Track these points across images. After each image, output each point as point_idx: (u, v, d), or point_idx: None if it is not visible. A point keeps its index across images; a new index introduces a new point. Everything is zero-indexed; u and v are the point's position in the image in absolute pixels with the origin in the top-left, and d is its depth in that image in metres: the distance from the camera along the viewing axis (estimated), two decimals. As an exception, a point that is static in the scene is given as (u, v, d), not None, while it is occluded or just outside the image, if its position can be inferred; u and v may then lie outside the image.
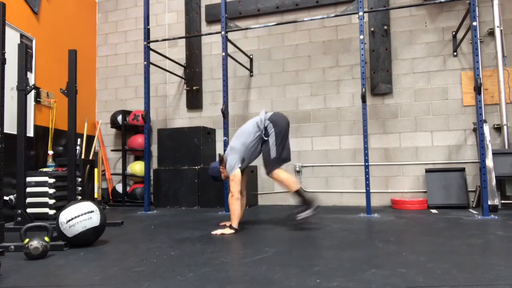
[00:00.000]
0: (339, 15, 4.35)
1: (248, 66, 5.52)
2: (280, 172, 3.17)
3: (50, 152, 4.79)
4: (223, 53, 4.48)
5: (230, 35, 5.03)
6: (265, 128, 3.21)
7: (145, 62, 4.77)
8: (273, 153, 3.15)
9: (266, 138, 3.21)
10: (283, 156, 3.20)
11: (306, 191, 5.16)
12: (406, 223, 3.44)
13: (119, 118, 5.76)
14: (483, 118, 3.73)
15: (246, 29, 5.07)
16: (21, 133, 3.36)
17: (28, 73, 4.56)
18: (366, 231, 3.04)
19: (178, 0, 5.97)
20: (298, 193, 3.16)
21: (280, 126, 3.22)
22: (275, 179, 3.20)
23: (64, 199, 4.10)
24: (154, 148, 5.79)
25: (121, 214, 4.54)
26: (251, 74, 5.56)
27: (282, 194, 5.27)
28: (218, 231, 3.03)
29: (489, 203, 3.79)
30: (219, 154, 3.41)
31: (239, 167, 3.17)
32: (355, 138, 5.06)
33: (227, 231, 3.02)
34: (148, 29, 4.84)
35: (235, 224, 3.05)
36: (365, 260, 2.08)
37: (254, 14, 5.53)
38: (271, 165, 3.17)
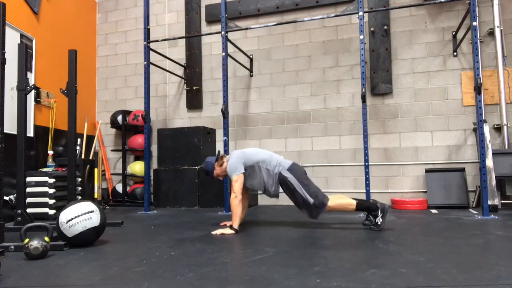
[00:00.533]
0: (339, 15, 4.35)
1: (248, 66, 5.52)
2: (331, 203, 3.07)
3: (50, 152, 4.79)
4: (223, 53, 4.48)
5: (230, 35, 5.03)
6: (285, 178, 3.14)
7: (145, 62, 4.77)
8: (310, 199, 3.07)
9: (291, 187, 3.13)
10: (320, 198, 3.07)
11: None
12: (406, 223, 3.44)
13: (119, 118, 5.76)
14: (483, 118, 3.73)
15: (246, 29, 5.07)
16: (21, 133, 3.36)
17: (28, 73, 4.56)
18: (366, 231, 3.04)
19: (178, 0, 5.97)
20: (360, 207, 3.09)
21: (297, 173, 3.16)
22: (333, 211, 3.12)
23: (64, 199, 4.09)
24: (154, 148, 5.79)
25: (121, 214, 4.53)
26: (251, 74, 5.56)
27: (282, 194, 5.26)
28: (218, 231, 3.04)
29: (489, 203, 3.79)
30: (219, 151, 3.41)
31: (243, 173, 3.15)
32: (355, 138, 5.06)
33: (227, 231, 3.02)
34: (148, 29, 4.84)
35: (235, 225, 3.05)
36: (365, 260, 2.08)
37: (254, 14, 5.53)
38: (317, 211, 3.09)
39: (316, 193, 3.09)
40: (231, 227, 3.05)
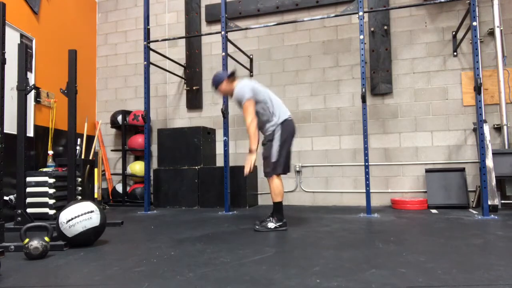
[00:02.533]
0: (339, 15, 4.35)
1: (248, 66, 5.51)
2: (275, 180, 3.18)
3: (50, 152, 4.79)
4: (223, 53, 4.48)
5: (230, 35, 5.03)
6: (273, 131, 3.19)
7: (145, 62, 4.77)
8: (274, 157, 3.16)
9: (269, 138, 3.21)
10: (283, 166, 3.19)
11: (306, 191, 5.18)
12: (406, 223, 3.44)
13: (119, 118, 5.76)
14: (483, 118, 3.73)
15: (246, 29, 5.07)
16: (21, 133, 3.36)
17: (28, 73, 4.55)
18: (366, 231, 3.04)
19: (178, 0, 5.97)
20: (278, 206, 3.18)
21: (286, 133, 3.22)
22: (268, 182, 3.22)
23: (64, 199, 4.09)
24: (154, 148, 5.78)
25: (121, 214, 4.53)
26: (251, 74, 5.56)
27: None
28: (247, 164, 3.08)
29: (489, 203, 3.79)
30: (235, 70, 3.40)
31: (251, 98, 3.14)
32: (355, 138, 5.06)
33: (250, 157, 3.07)
34: (148, 29, 4.84)
35: (254, 145, 3.07)
36: (365, 260, 2.08)
37: (254, 14, 5.53)
38: (269, 169, 3.18)
39: (283, 158, 3.16)
40: (250, 151, 3.08)
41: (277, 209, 3.18)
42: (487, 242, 2.51)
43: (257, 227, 3.13)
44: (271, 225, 3.12)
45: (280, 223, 3.14)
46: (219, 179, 4.86)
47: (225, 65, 4.46)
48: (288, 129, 3.25)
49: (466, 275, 1.75)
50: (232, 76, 3.33)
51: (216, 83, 3.35)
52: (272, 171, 3.17)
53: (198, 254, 2.31)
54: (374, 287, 1.61)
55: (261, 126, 3.27)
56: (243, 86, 3.21)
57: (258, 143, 3.16)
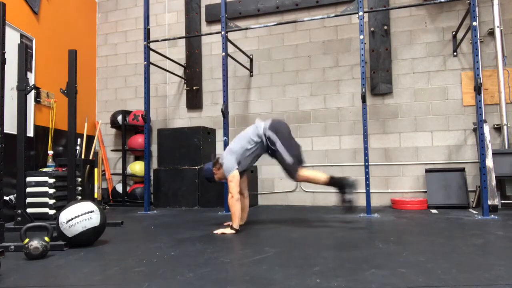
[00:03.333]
0: (339, 15, 4.35)
1: (248, 66, 5.52)
2: (304, 171, 3.16)
3: (50, 152, 4.79)
4: (223, 53, 4.48)
5: (230, 35, 5.03)
6: (268, 138, 3.17)
7: (145, 62, 4.77)
8: (288, 159, 3.13)
9: (273, 148, 3.17)
10: (299, 158, 3.19)
11: (306, 191, 5.18)
12: (406, 223, 3.44)
13: (119, 118, 5.76)
14: (483, 118, 3.73)
15: (246, 29, 5.07)
16: (21, 133, 3.36)
17: (28, 73, 4.56)
18: (366, 231, 3.04)
19: (178, 0, 5.97)
20: (332, 181, 3.15)
21: (283, 132, 3.21)
22: (302, 180, 3.20)
23: (64, 199, 4.10)
24: (154, 148, 5.79)
25: (121, 214, 4.53)
26: (251, 74, 5.56)
27: (282, 194, 5.28)
28: (219, 230, 3.04)
29: (489, 203, 3.79)
30: (213, 155, 3.41)
31: (237, 169, 3.16)
32: (355, 138, 5.06)
33: (228, 230, 3.02)
34: (148, 29, 4.84)
35: (235, 225, 3.05)
36: (365, 260, 2.08)
37: (254, 14, 5.53)
38: (292, 171, 3.14)
39: (295, 154, 3.17)
40: (231, 227, 3.06)
41: (335, 182, 3.15)
42: (487, 242, 2.51)
43: (347, 206, 3.12)
44: (348, 197, 3.11)
45: (350, 185, 3.11)
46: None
47: (225, 65, 4.46)
48: (280, 126, 3.24)
49: (466, 275, 1.75)
50: (216, 163, 3.30)
51: (210, 178, 3.33)
52: (295, 173, 3.14)
53: (198, 254, 2.31)
54: (374, 287, 1.61)
55: (259, 153, 3.28)
56: (226, 162, 3.18)
57: (241, 221, 3.19)
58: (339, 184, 3.16)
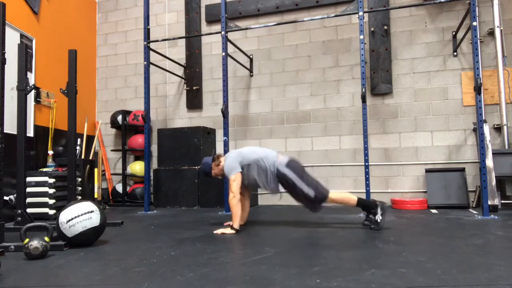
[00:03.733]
0: (339, 15, 4.35)
1: (248, 66, 5.52)
2: (332, 195, 3.12)
3: (50, 152, 4.79)
4: (223, 53, 4.48)
5: (230, 35, 5.03)
6: (284, 175, 3.11)
7: (145, 62, 4.77)
8: (311, 193, 3.07)
9: (286, 182, 3.13)
10: (320, 189, 3.12)
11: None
12: (406, 223, 3.44)
13: (119, 118, 5.76)
14: (483, 118, 3.73)
15: (246, 29, 5.07)
16: (21, 133, 3.36)
17: (28, 73, 4.56)
18: (366, 231, 3.04)
19: (178, 0, 5.97)
20: (361, 203, 3.13)
21: (298, 169, 3.16)
22: (334, 202, 3.17)
23: (64, 199, 4.09)
24: (154, 148, 5.78)
25: (121, 214, 4.53)
26: (251, 74, 5.56)
27: (282, 194, 5.27)
28: (219, 230, 3.04)
29: (489, 203, 3.79)
30: (214, 151, 3.40)
31: (240, 172, 3.15)
32: (355, 138, 5.06)
33: (228, 230, 3.03)
34: (148, 29, 4.84)
35: (236, 225, 3.05)
36: (365, 260, 2.08)
37: (254, 14, 5.53)
38: (317, 205, 3.13)
39: (316, 185, 3.11)
40: (231, 227, 3.06)
41: (365, 205, 3.14)
42: (487, 242, 2.51)
43: (372, 226, 3.04)
44: (378, 217, 3.04)
45: (381, 210, 3.05)
46: (219, 179, 4.85)
47: (225, 65, 4.46)
48: (295, 165, 3.18)
49: (466, 275, 1.75)
50: (215, 159, 3.32)
51: (207, 172, 3.34)
52: (323, 199, 3.10)
53: (198, 254, 2.31)
54: (374, 287, 1.61)
55: (265, 181, 3.20)
56: (229, 161, 3.18)
57: (242, 221, 3.18)
58: (368, 207, 3.13)
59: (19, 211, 3.36)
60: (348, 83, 5.15)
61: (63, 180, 4.21)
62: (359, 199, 3.13)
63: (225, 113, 4.42)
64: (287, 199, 5.24)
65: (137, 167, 5.61)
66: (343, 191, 3.28)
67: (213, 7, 5.69)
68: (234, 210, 3.06)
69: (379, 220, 3.03)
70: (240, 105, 5.59)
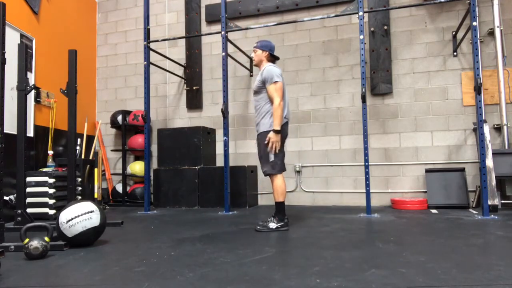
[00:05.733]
0: (339, 15, 4.35)
1: (248, 66, 5.52)
2: (278, 179, 3.20)
3: (50, 152, 4.79)
4: (223, 53, 4.48)
5: (230, 35, 5.03)
6: (267, 136, 3.19)
7: (145, 62, 4.77)
8: (271, 157, 3.18)
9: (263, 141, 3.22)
10: (280, 165, 3.21)
11: (306, 191, 5.18)
12: (406, 223, 3.44)
13: (119, 118, 5.76)
14: (483, 118, 3.73)
15: (246, 29, 5.07)
16: (21, 133, 3.36)
17: (28, 73, 4.56)
18: (366, 231, 3.04)
19: (178, 0, 5.97)
20: (280, 206, 3.19)
21: (283, 135, 3.24)
22: (271, 181, 3.23)
23: (64, 199, 4.09)
24: (154, 148, 5.79)
25: (121, 214, 4.53)
26: (251, 74, 5.56)
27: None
28: (272, 143, 3.12)
29: (489, 203, 3.79)
30: (275, 55, 3.41)
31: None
32: (355, 138, 5.06)
33: (274, 137, 3.11)
34: (148, 29, 4.84)
35: (278, 126, 3.11)
36: (365, 260, 2.08)
37: (254, 14, 5.53)
38: (269, 168, 3.19)
39: (280, 158, 3.20)
40: (274, 131, 3.11)
41: (279, 209, 3.18)
42: (487, 242, 2.51)
43: (258, 227, 3.14)
44: (272, 225, 3.12)
45: (282, 223, 3.14)
46: (219, 179, 4.86)
47: (225, 65, 4.45)
48: (284, 132, 3.27)
49: (466, 275, 1.75)
50: (273, 56, 3.37)
51: (262, 46, 3.36)
52: (271, 170, 3.19)
53: (198, 254, 2.31)
54: (374, 287, 1.61)
55: (264, 119, 3.25)
56: (276, 69, 3.23)
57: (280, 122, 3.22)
58: (278, 213, 3.17)
59: (19, 211, 3.36)
60: (348, 83, 5.15)
61: (63, 180, 4.21)
62: (282, 203, 3.18)
63: (225, 113, 4.42)
64: (287, 199, 5.23)
65: (137, 167, 5.60)
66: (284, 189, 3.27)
67: (213, 7, 5.69)
68: (279, 113, 3.11)
69: (270, 226, 3.12)
70: (240, 105, 5.59)
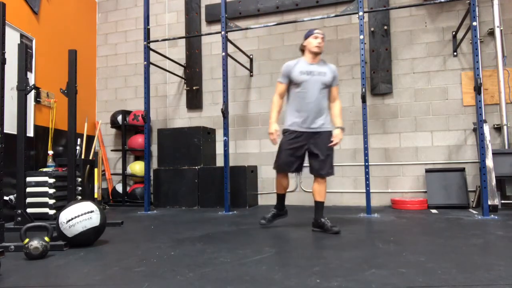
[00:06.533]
0: (339, 15, 4.35)
1: (248, 66, 5.52)
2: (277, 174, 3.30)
3: (50, 152, 4.79)
4: (223, 53, 4.48)
5: (230, 35, 5.03)
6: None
7: (145, 62, 4.77)
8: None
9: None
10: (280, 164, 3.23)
11: (306, 191, 5.17)
12: (406, 223, 3.44)
13: (119, 118, 5.76)
14: (483, 118, 3.74)
15: (246, 29, 5.07)
16: (21, 133, 3.36)
17: (28, 73, 4.56)
18: (366, 231, 3.04)
19: (178, 0, 5.97)
20: (278, 196, 3.33)
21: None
22: (323, 182, 3.35)
23: (64, 199, 4.09)
24: (154, 148, 5.78)
25: (121, 214, 4.54)
26: (251, 74, 5.56)
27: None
28: (334, 141, 3.14)
29: (489, 203, 3.79)
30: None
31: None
32: (355, 138, 5.06)
33: (341, 134, 3.17)
34: (148, 29, 4.84)
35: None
36: (365, 260, 2.08)
37: (254, 14, 5.53)
38: (332, 169, 3.29)
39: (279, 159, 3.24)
40: (342, 128, 3.16)
41: (280, 204, 3.37)
42: (487, 242, 2.51)
43: (264, 221, 3.34)
44: (269, 216, 3.36)
45: (277, 213, 3.37)
46: (219, 179, 4.86)
47: (225, 65, 4.46)
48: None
49: (466, 275, 1.75)
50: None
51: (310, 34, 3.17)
52: (275, 166, 3.26)
53: (198, 254, 2.31)
54: (374, 287, 1.61)
55: (327, 117, 3.19)
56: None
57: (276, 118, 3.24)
58: (278, 204, 3.34)
59: (19, 211, 3.36)
60: (348, 83, 5.15)
61: (63, 180, 4.21)
62: (279, 195, 3.32)
63: (225, 113, 4.42)
64: (287, 199, 5.23)
65: (137, 167, 5.60)
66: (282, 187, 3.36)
67: (213, 7, 5.69)
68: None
69: (265, 219, 3.32)
70: (240, 105, 5.59)
